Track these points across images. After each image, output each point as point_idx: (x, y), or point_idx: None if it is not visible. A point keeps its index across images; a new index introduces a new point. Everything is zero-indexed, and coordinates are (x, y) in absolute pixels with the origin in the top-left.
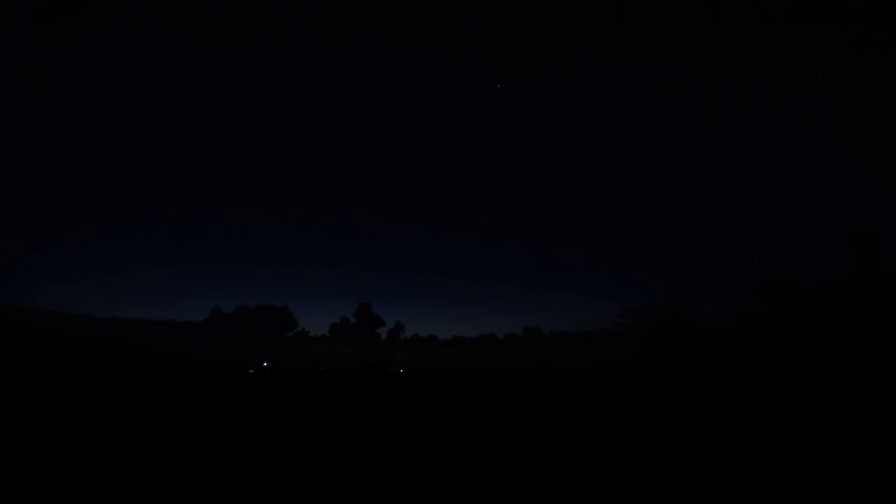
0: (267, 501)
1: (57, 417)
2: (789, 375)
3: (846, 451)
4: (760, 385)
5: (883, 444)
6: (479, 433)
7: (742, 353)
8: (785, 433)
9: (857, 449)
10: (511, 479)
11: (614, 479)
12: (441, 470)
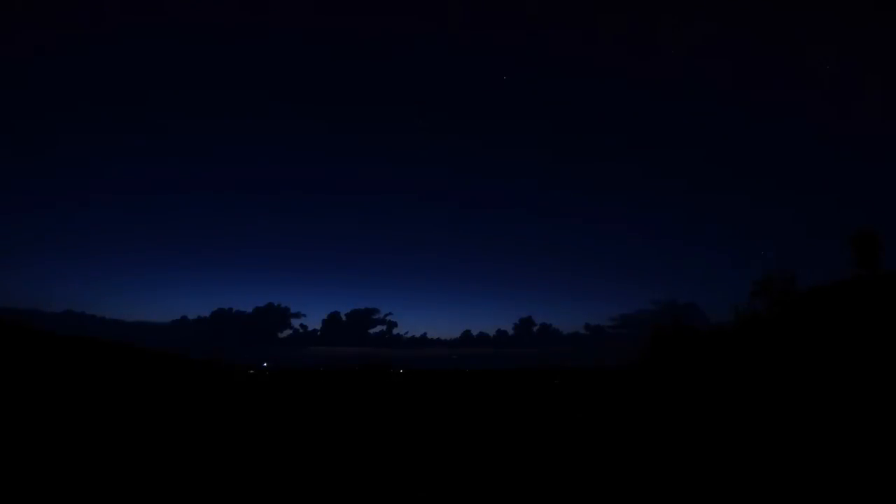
0: (266, 502)
1: (55, 417)
2: (789, 376)
3: (847, 451)
4: (760, 386)
5: (883, 444)
6: (481, 436)
7: (741, 354)
8: (785, 434)
9: (857, 450)
10: (512, 482)
11: (615, 481)
12: (442, 473)
